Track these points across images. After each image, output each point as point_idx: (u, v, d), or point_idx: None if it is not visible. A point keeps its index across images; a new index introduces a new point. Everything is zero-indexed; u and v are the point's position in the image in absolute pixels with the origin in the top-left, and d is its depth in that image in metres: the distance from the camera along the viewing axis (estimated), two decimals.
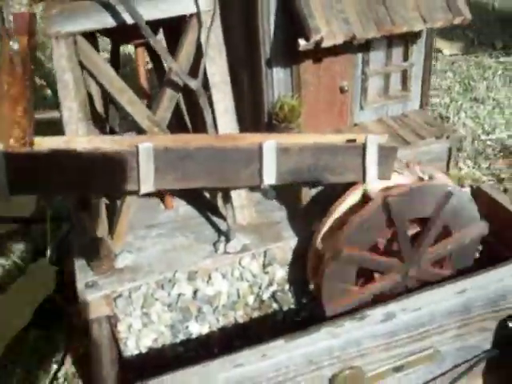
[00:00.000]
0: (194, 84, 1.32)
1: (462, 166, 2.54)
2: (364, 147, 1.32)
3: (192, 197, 1.72)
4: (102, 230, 1.49)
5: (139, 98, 1.45)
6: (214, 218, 1.67)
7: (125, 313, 1.48)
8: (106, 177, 1.16)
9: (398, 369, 1.54)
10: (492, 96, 3.06)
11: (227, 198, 1.52)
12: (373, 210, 1.38)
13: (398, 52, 1.70)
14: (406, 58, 1.71)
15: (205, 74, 1.39)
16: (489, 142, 2.69)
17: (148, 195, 1.72)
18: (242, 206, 1.60)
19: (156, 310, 1.50)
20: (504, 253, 1.65)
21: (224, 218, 1.60)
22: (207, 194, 1.74)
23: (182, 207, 1.74)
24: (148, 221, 1.68)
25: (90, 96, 1.50)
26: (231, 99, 1.45)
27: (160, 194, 1.70)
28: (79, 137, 1.26)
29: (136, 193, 1.19)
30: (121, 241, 1.53)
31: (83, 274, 1.51)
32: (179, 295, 1.50)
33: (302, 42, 1.43)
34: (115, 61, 1.71)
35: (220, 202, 1.58)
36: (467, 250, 1.61)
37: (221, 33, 1.39)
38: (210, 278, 1.53)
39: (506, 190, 2.38)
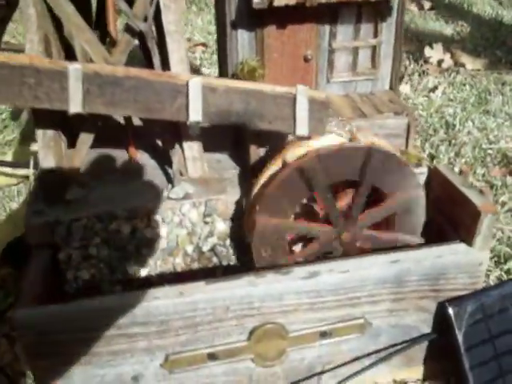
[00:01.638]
0: (143, 26, 1.39)
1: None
2: (294, 97, 1.34)
3: (153, 148, 1.78)
4: (53, 162, 1.56)
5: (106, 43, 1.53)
6: (169, 168, 1.71)
7: (65, 242, 1.54)
8: (39, 91, 1.23)
9: (324, 334, 1.52)
10: (505, 110, 2.98)
11: (176, 147, 1.57)
12: (288, 175, 1.39)
13: (367, 28, 1.70)
14: (375, 35, 1.71)
15: (160, 22, 1.46)
16: (490, 151, 2.63)
17: (115, 145, 1.80)
18: (194, 158, 1.63)
19: (95, 243, 1.55)
20: (452, 233, 1.61)
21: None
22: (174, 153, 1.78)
23: (142, 157, 1.80)
24: (108, 166, 1.74)
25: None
26: (185, 49, 1.50)
27: (126, 145, 1.77)
28: (22, 55, 1.34)
29: (66, 112, 1.26)
30: (73, 175, 1.60)
31: (35, 203, 1.59)
32: (117, 231, 1.55)
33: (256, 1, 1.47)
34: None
35: (171, 151, 1.63)
36: (411, 216, 1.58)
37: None
38: (149, 219, 1.57)
39: (496, 201, 2.32)
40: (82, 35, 1.44)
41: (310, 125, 1.37)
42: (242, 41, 1.65)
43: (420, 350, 1.66)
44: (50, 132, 1.53)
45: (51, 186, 1.55)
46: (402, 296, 1.52)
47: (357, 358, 1.60)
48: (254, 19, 1.61)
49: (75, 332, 1.35)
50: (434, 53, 3.54)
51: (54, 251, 1.54)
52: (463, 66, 3.51)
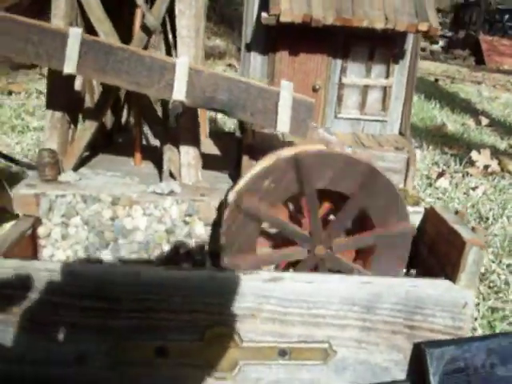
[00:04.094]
0: (153, 21, 1.49)
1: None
2: (278, 92, 1.35)
3: (155, 154, 1.82)
4: (56, 143, 1.63)
5: None
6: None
7: (47, 217, 1.56)
8: (41, 48, 1.32)
9: (283, 353, 1.40)
10: None
11: (170, 148, 1.61)
12: (279, 163, 1.36)
13: (379, 68, 1.72)
14: (387, 75, 1.73)
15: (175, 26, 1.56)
16: None
17: (122, 150, 1.86)
18: (189, 164, 1.65)
19: (75, 223, 1.55)
20: (440, 272, 1.50)
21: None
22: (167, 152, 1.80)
23: (144, 163, 1.85)
24: (110, 167, 1.79)
25: None
26: (195, 53, 1.57)
27: (132, 149, 1.83)
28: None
29: (60, 72, 1.33)
30: (71, 160, 1.65)
31: (29, 178, 1.65)
32: (98, 213, 1.55)
33: (264, 14, 1.55)
34: None
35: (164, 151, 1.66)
36: (392, 254, 1.48)
37: None
38: (131, 208, 1.57)
39: None
40: (102, 26, 1.55)
41: (293, 124, 1.36)
42: (255, 63, 1.72)
43: None
44: (58, 114, 1.61)
45: (48, 167, 1.60)
46: (371, 325, 1.39)
47: None
48: (268, 43, 1.68)
49: (27, 290, 1.33)
50: (481, 157, 3.48)
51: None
52: (510, 172, 3.41)
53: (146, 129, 2.02)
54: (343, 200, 1.43)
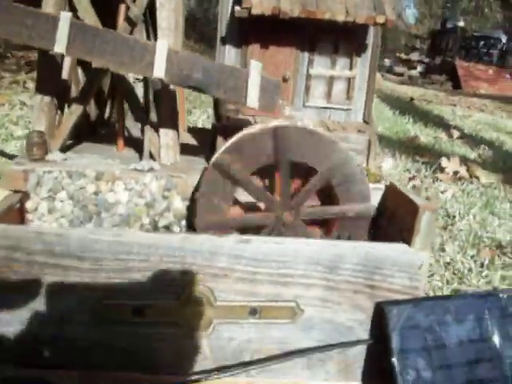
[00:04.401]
0: (136, 12, 1.64)
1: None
2: (248, 72, 1.50)
3: (137, 143, 1.95)
4: (44, 125, 1.75)
5: None
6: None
7: (34, 191, 1.67)
8: (34, 31, 1.46)
9: (254, 312, 1.51)
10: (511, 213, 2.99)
11: (150, 129, 1.74)
12: (260, 132, 1.50)
13: (343, 61, 1.88)
14: (350, 67, 1.89)
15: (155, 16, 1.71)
16: (485, 239, 2.61)
17: (106, 140, 1.99)
18: (168, 145, 1.78)
19: (61, 197, 1.66)
20: (399, 240, 1.62)
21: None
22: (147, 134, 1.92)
23: (127, 150, 1.97)
24: (95, 151, 1.91)
25: None
26: (173, 45, 1.71)
27: (115, 137, 1.96)
28: None
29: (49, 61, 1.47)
30: (58, 141, 1.77)
31: (19, 158, 1.76)
32: (82, 188, 1.67)
33: (237, 7, 1.70)
34: None
35: (147, 135, 1.79)
36: (350, 184, 1.61)
37: None
38: (113, 184, 1.69)
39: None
40: (88, 16, 1.69)
41: (261, 100, 1.50)
42: (229, 56, 1.87)
43: (358, 361, 1.59)
44: (47, 98, 1.74)
45: (36, 147, 1.72)
46: (334, 284, 1.50)
47: (288, 354, 1.56)
48: (241, 37, 1.84)
49: (12, 251, 1.43)
50: (451, 164, 3.65)
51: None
52: (477, 178, 3.59)
53: (129, 123, 2.14)
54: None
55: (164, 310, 1.48)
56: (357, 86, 1.91)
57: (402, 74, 13.45)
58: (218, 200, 1.55)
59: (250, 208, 1.68)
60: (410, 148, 4.33)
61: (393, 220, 1.69)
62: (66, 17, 1.45)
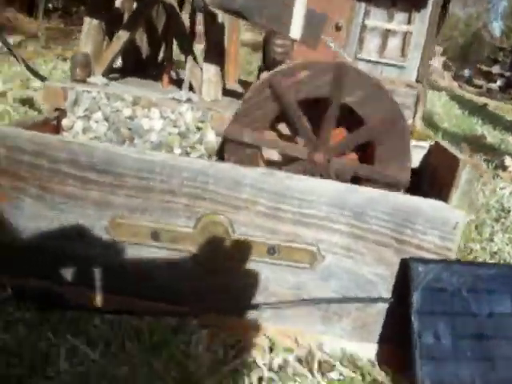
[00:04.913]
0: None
1: None
2: (294, 2, 1.44)
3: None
4: (90, 48, 1.76)
5: None
6: None
7: (72, 109, 1.67)
8: None
9: (272, 250, 1.45)
10: None
11: (194, 62, 1.72)
12: (322, 63, 1.45)
13: (401, 16, 1.79)
14: (408, 23, 1.79)
15: None
16: None
17: (153, 78, 1.98)
18: (210, 80, 1.75)
19: (96, 117, 1.66)
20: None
21: None
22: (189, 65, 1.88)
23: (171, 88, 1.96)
24: (138, 84, 1.91)
25: None
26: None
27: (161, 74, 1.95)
28: None
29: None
30: (102, 66, 1.77)
31: (64, 80, 1.78)
32: (118, 111, 1.66)
33: None
34: None
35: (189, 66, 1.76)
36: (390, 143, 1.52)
37: None
38: (149, 110, 1.67)
39: None
40: None
41: (304, 33, 1.44)
42: None
43: (377, 321, 1.50)
44: (95, 22, 1.75)
45: (80, 68, 1.73)
46: (359, 232, 1.42)
47: (303, 301, 1.49)
48: None
49: (39, 157, 1.43)
50: None
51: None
52: None
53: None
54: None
55: (179, 237, 1.45)
56: (413, 42, 1.81)
57: (480, 87, 12.92)
58: (258, 114, 1.49)
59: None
60: (474, 145, 4.13)
61: (434, 179, 1.59)
62: None
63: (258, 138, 1.53)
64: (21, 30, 5.43)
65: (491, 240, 2.37)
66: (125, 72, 2.02)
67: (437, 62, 11.35)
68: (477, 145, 4.25)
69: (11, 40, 4.55)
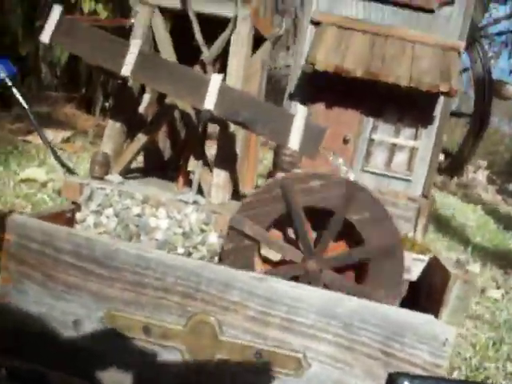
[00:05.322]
0: (207, 55, 1.78)
1: None
2: (294, 115, 1.53)
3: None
4: (110, 148, 1.90)
5: None
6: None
7: (86, 204, 1.79)
8: (106, 53, 1.63)
9: (259, 354, 1.46)
10: None
11: (201, 164, 1.83)
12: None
13: (407, 131, 1.86)
14: (414, 137, 1.85)
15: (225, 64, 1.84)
16: None
17: (170, 179, 2.10)
18: (218, 185, 1.84)
19: (107, 213, 1.76)
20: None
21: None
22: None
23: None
24: (154, 183, 2.02)
25: None
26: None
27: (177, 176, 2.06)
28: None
29: (118, 73, 1.62)
30: (120, 165, 1.89)
31: (84, 177, 1.91)
32: (128, 208, 1.76)
33: (303, 63, 1.78)
34: None
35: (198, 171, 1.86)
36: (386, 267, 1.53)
37: (247, 38, 1.83)
38: (157, 209, 1.76)
39: None
40: (165, 53, 1.86)
41: (303, 144, 1.53)
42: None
43: None
44: (117, 124, 1.90)
45: (98, 166, 1.86)
46: (347, 343, 1.41)
47: None
48: (307, 95, 1.90)
49: (45, 246, 1.52)
50: None
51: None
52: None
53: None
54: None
55: (170, 334, 1.48)
56: (419, 157, 1.88)
57: None
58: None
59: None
60: (505, 261, 4.03)
61: (430, 293, 1.58)
62: (136, 44, 1.62)
63: (258, 233, 1.58)
64: (74, 126, 5.81)
65: (509, 359, 2.27)
66: (145, 172, 2.15)
67: (481, 176, 11.36)
68: (507, 261, 4.16)
69: (61, 135, 4.91)
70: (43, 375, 1.52)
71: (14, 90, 2.30)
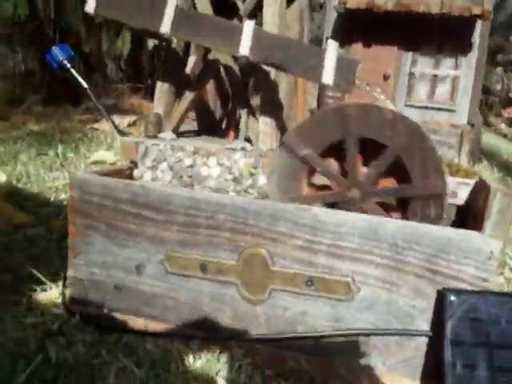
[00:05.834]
0: (242, 9, 1.85)
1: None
2: (325, 51, 1.58)
3: None
4: (161, 108, 2.03)
5: None
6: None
7: (142, 161, 1.92)
8: (147, 15, 1.75)
9: (310, 282, 1.53)
10: None
11: (245, 113, 1.91)
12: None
13: (448, 61, 1.86)
14: (455, 68, 1.85)
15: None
16: None
17: (221, 134, 2.21)
18: (265, 132, 1.92)
19: (162, 167, 1.89)
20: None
21: None
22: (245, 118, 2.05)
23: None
24: (204, 138, 2.13)
25: None
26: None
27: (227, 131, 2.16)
28: None
29: (157, 32, 1.73)
30: (172, 123, 2.02)
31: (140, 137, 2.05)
32: (180, 161, 1.88)
33: (334, 3, 1.81)
34: None
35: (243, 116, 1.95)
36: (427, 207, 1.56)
37: None
38: (207, 159, 1.87)
39: None
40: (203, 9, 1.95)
41: (337, 78, 1.57)
42: None
43: (417, 356, 1.49)
44: (165, 85, 2.02)
45: (152, 126, 1.99)
46: (393, 264, 1.46)
47: (342, 334, 1.52)
48: (344, 36, 1.94)
49: (107, 198, 1.66)
50: None
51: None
52: None
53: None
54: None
55: (224, 269, 1.58)
56: (461, 86, 1.87)
57: None
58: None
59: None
60: None
61: (477, 214, 1.59)
62: (172, 1, 1.71)
63: (308, 154, 1.63)
64: (139, 113, 6.06)
65: None
66: (198, 131, 2.26)
67: None
68: None
69: (127, 120, 5.16)
70: (112, 319, 1.67)
71: (73, 71, 2.47)
